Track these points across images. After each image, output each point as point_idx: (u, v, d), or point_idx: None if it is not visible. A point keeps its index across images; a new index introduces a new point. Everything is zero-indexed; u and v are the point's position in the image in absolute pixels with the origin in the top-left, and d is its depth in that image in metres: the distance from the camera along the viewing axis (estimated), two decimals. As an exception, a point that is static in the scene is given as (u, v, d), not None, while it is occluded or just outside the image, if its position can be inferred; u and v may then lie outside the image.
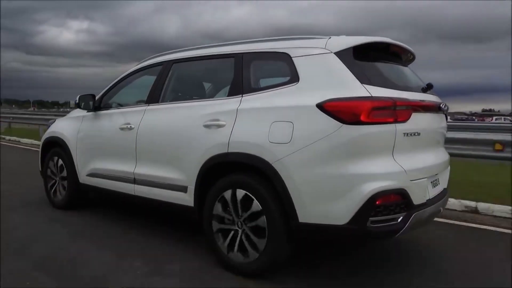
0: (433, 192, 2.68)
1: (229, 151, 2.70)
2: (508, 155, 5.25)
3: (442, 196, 2.86)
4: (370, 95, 2.32)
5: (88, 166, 3.98)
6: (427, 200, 2.54)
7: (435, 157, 2.78)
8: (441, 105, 2.78)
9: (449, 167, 3.14)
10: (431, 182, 2.69)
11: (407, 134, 2.41)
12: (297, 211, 2.41)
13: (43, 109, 58.85)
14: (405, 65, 3.12)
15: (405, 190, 2.33)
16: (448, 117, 3.31)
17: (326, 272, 2.78)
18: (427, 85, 2.87)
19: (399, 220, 2.33)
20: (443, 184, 2.95)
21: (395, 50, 2.92)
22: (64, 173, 4.26)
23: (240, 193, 2.66)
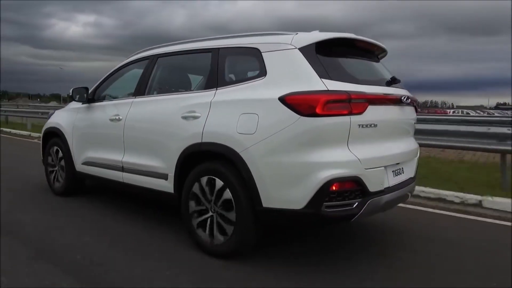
0: (394, 180, 2.83)
1: (202, 141, 2.89)
2: None
3: (406, 184, 3.00)
4: (326, 89, 2.48)
5: (83, 155, 4.23)
6: (385, 188, 2.69)
7: (397, 147, 2.91)
8: (402, 98, 2.91)
9: (417, 157, 3.28)
10: (392, 171, 2.84)
11: (363, 125, 2.56)
12: (261, 197, 2.60)
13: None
14: (376, 60, 3.25)
15: (359, 178, 2.50)
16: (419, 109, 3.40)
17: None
18: (391, 78, 3.01)
19: (354, 206, 2.50)
20: (408, 173, 3.09)
21: (363, 46, 3.05)
22: (62, 162, 4.53)
23: (213, 180, 2.86)
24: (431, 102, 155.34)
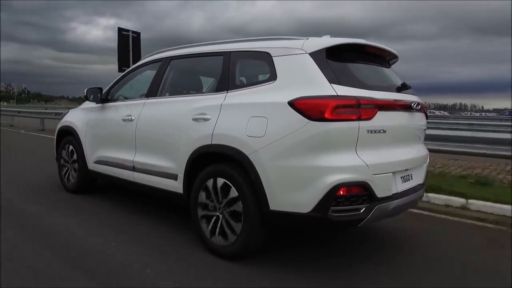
0: (402, 186, 2.83)
1: (212, 143, 2.93)
2: None
3: (415, 190, 2.99)
4: (335, 94, 2.49)
5: (96, 154, 4.31)
6: (393, 194, 2.69)
7: (406, 153, 2.90)
8: (412, 104, 2.90)
9: (426, 163, 3.26)
10: (401, 177, 2.84)
11: (371, 131, 2.56)
12: (268, 200, 2.62)
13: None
14: (387, 65, 3.25)
15: (367, 183, 2.50)
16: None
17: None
18: (401, 84, 3.00)
19: (361, 211, 2.51)
20: (417, 179, 3.08)
21: (374, 51, 3.06)
22: (75, 160, 4.62)
23: (221, 181, 2.89)
24: (460, 104, 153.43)
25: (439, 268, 2.89)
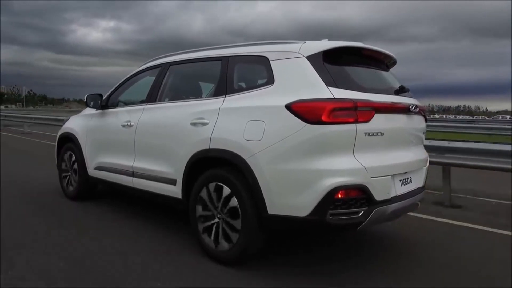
0: (401, 189, 2.80)
1: (210, 147, 2.93)
2: None
3: (414, 194, 2.97)
4: (332, 97, 2.49)
5: (96, 160, 4.31)
6: (392, 197, 2.67)
7: (405, 156, 2.88)
8: (410, 107, 2.89)
9: (426, 166, 3.24)
10: (400, 180, 2.82)
11: (369, 133, 2.55)
12: (266, 204, 2.60)
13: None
14: (385, 69, 3.24)
15: (365, 186, 2.48)
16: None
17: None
18: (400, 87, 3.00)
19: (360, 214, 2.49)
20: (417, 182, 3.06)
21: (372, 54, 3.05)
22: (76, 166, 4.62)
23: (219, 186, 2.88)
24: (464, 106, 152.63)
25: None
